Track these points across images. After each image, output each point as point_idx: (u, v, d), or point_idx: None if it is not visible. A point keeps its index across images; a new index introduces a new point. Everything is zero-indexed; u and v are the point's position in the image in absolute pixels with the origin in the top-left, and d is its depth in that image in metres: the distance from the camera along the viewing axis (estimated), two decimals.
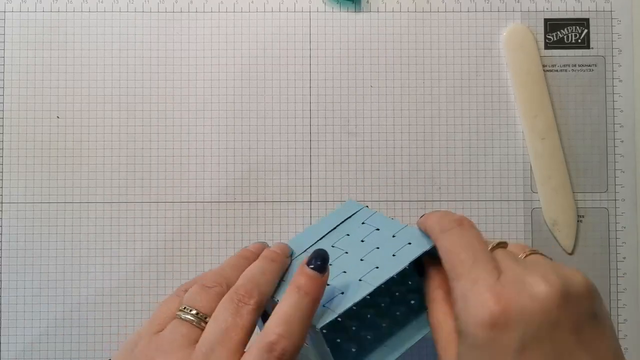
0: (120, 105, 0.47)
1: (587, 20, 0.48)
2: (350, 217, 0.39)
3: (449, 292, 0.31)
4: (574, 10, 0.48)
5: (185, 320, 0.31)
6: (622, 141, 0.48)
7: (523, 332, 0.27)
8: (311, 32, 0.48)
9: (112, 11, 0.47)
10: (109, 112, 0.47)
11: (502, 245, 0.32)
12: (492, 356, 0.27)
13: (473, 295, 0.28)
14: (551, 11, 0.48)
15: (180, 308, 0.32)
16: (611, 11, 0.48)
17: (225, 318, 0.31)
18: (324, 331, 0.32)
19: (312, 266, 0.32)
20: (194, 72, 0.47)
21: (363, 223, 0.38)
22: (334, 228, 0.39)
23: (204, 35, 0.47)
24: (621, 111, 0.48)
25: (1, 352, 0.46)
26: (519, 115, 0.47)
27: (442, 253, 0.31)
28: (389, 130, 0.47)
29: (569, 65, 0.48)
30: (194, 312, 0.31)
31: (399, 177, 0.47)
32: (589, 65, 0.48)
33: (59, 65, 0.47)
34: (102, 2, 0.47)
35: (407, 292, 0.37)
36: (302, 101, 0.47)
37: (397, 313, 0.36)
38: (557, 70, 0.48)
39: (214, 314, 0.31)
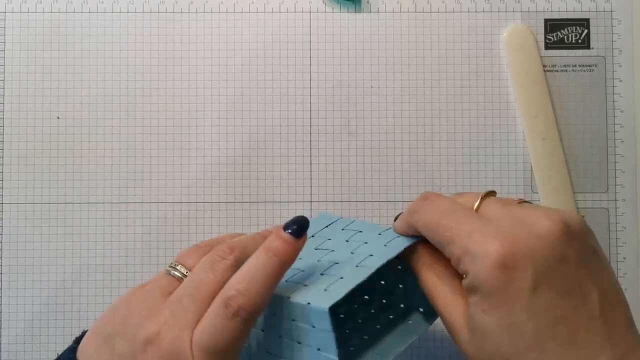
0: (121, 105, 0.47)
1: (588, 20, 0.48)
2: (326, 226, 0.38)
3: (437, 266, 0.32)
4: (574, 11, 0.48)
5: (169, 275, 0.33)
6: (622, 141, 0.48)
7: (534, 270, 0.27)
8: (311, 32, 0.48)
9: (113, 12, 0.47)
10: (109, 112, 0.47)
11: (492, 193, 0.31)
12: (507, 299, 0.27)
13: (475, 246, 0.28)
14: (551, 11, 0.48)
15: (170, 264, 0.34)
16: (611, 11, 0.48)
17: (199, 272, 0.31)
18: (338, 309, 0.31)
19: (288, 230, 0.31)
20: (194, 73, 0.47)
21: (343, 229, 0.37)
22: (312, 236, 0.37)
23: (204, 36, 0.47)
24: (621, 111, 0.48)
25: (2, 352, 0.46)
26: (519, 116, 0.47)
27: (425, 230, 0.31)
28: (389, 131, 0.47)
29: (569, 66, 0.48)
30: (179, 267, 0.33)
31: (399, 177, 0.47)
32: (589, 66, 0.48)
33: (59, 66, 0.47)
34: (102, 2, 0.47)
35: (394, 297, 0.37)
36: (302, 101, 0.47)
37: (390, 317, 0.36)
38: (557, 71, 0.48)
39: (193, 269, 0.32)
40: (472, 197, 0.31)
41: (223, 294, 0.30)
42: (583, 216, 0.30)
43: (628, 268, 0.47)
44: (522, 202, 0.31)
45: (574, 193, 0.47)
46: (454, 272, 0.31)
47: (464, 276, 0.29)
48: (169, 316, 0.30)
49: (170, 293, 0.32)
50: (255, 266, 0.30)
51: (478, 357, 0.29)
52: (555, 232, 0.28)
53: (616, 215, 0.47)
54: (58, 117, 0.47)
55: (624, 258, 0.47)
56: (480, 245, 0.28)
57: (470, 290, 0.29)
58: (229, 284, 0.30)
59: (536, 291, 0.27)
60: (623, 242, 0.47)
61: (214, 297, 0.30)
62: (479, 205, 0.30)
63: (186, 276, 0.33)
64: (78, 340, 0.33)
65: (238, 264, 0.32)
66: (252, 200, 0.47)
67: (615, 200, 0.47)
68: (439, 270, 0.32)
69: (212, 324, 0.30)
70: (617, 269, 0.47)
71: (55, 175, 0.47)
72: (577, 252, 0.28)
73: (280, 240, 0.31)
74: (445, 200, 0.31)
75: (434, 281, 0.32)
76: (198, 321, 0.30)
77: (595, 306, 0.27)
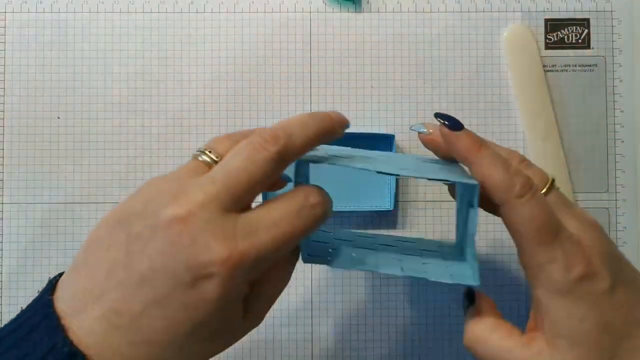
0: (121, 105, 0.47)
1: (588, 20, 0.48)
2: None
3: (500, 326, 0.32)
4: (574, 11, 0.48)
5: (197, 159, 0.29)
6: (622, 141, 0.47)
7: (608, 272, 0.30)
8: (311, 32, 0.48)
9: (113, 12, 0.47)
10: (109, 112, 0.47)
11: (552, 184, 0.32)
12: (596, 302, 0.30)
13: (565, 256, 0.29)
14: (552, 11, 0.48)
15: (199, 149, 0.29)
16: (612, 11, 0.48)
17: (234, 159, 0.27)
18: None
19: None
20: (194, 73, 0.47)
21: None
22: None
23: (205, 36, 0.47)
24: (622, 111, 0.48)
25: None
26: (520, 116, 0.47)
27: (524, 221, 0.30)
28: (389, 131, 0.47)
29: (569, 66, 0.48)
30: (209, 152, 0.29)
31: (399, 177, 0.47)
32: (590, 66, 0.48)
33: (59, 66, 0.47)
34: (102, 2, 0.47)
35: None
36: (303, 101, 0.47)
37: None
38: (557, 71, 0.48)
39: (225, 156, 0.28)
40: (539, 178, 0.32)
41: (264, 133, 0.28)
42: None
43: None
44: (551, 185, 0.32)
45: (574, 193, 0.47)
46: (505, 324, 0.32)
47: (538, 285, 0.30)
48: (201, 196, 0.26)
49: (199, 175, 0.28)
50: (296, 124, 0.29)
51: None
52: (605, 235, 0.31)
53: (616, 215, 0.47)
54: (58, 117, 0.47)
55: None
56: (569, 256, 0.30)
57: (554, 299, 0.30)
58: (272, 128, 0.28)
59: (614, 289, 0.30)
60: (623, 242, 0.47)
61: (247, 192, 0.27)
62: (545, 193, 0.32)
63: (215, 161, 0.29)
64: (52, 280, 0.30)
65: (283, 158, 0.28)
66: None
67: (616, 200, 0.47)
68: (502, 331, 0.32)
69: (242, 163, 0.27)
70: None
71: (55, 175, 0.47)
72: (615, 248, 0.32)
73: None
74: (548, 207, 0.31)
75: (494, 333, 0.32)
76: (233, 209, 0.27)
77: None
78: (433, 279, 0.31)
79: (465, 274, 0.32)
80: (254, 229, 0.27)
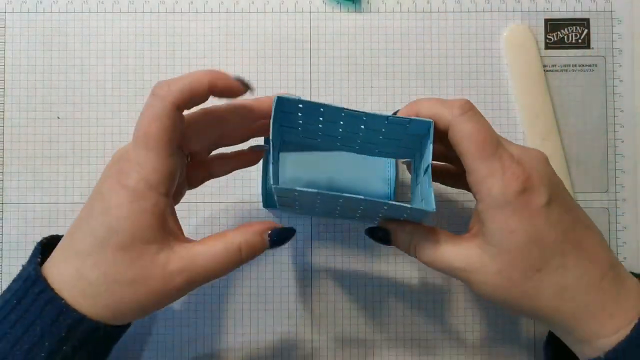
0: (121, 105, 0.47)
1: (588, 20, 0.48)
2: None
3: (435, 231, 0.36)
4: (574, 10, 0.48)
5: None
6: (622, 141, 0.47)
7: (546, 189, 0.32)
8: (311, 32, 0.48)
9: (113, 12, 0.47)
10: (109, 112, 0.47)
11: None
12: (530, 215, 0.32)
13: (503, 170, 0.32)
14: (551, 11, 0.48)
15: None
16: (611, 11, 0.48)
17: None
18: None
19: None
20: None
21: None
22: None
23: (205, 36, 0.47)
24: (622, 111, 0.48)
25: None
26: (520, 116, 0.47)
27: (466, 135, 0.33)
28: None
29: (569, 66, 0.48)
30: None
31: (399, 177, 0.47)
32: (590, 66, 0.48)
33: (59, 66, 0.47)
34: (102, 2, 0.47)
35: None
36: None
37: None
38: (557, 71, 0.48)
39: None
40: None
41: None
42: None
43: (628, 268, 0.47)
44: None
45: (574, 193, 0.47)
46: (450, 233, 0.35)
47: (481, 199, 0.33)
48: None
49: None
50: (189, 73, 0.33)
51: (509, 284, 0.33)
52: (548, 162, 0.34)
53: (616, 215, 0.47)
54: (58, 117, 0.47)
55: (624, 258, 0.47)
56: (509, 170, 0.32)
57: (491, 212, 0.33)
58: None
59: (550, 206, 0.32)
60: (623, 242, 0.47)
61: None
62: None
63: None
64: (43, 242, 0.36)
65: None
66: (252, 201, 0.47)
67: (616, 200, 0.47)
68: (439, 233, 0.35)
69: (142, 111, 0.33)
70: None
71: (55, 175, 0.47)
72: (560, 180, 0.34)
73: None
74: (487, 121, 0.34)
75: (437, 238, 0.35)
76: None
77: (585, 219, 0.34)
78: (392, 203, 0.33)
79: (423, 204, 0.34)
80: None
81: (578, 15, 0.48)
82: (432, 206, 0.33)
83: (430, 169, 0.35)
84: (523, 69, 0.47)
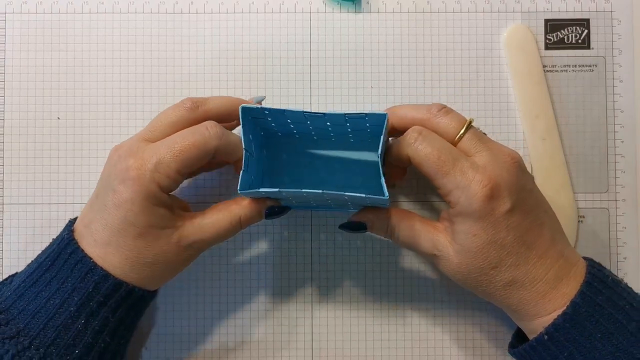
0: (121, 105, 0.47)
1: (588, 20, 0.48)
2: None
3: (411, 215, 0.40)
4: (574, 11, 0.48)
5: None
6: (622, 141, 0.47)
7: (510, 197, 0.36)
8: (311, 32, 0.48)
9: (113, 12, 0.47)
10: (109, 112, 0.47)
11: (469, 126, 0.38)
12: (493, 222, 0.36)
13: (468, 182, 0.36)
14: (551, 11, 0.48)
15: None
16: (611, 11, 0.48)
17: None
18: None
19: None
20: (194, 73, 0.47)
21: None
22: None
23: (205, 37, 0.47)
24: (622, 111, 0.48)
25: None
26: (520, 116, 0.47)
27: (422, 160, 0.37)
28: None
29: (569, 66, 0.48)
30: None
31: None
32: (590, 66, 0.48)
33: (60, 67, 0.47)
34: (102, 3, 0.47)
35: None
36: (303, 102, 0.47)
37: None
38: (557, 71, 0.48)
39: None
40: (457, 122, 0.38)
41: None
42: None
43: (628, 268, 0.47)
44: (469, 127, 0.39)
45: (574, 193, 0.47)
46: (424, 219, 0.40)
47: (452, 207, 0.37)
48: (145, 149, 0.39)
49: None
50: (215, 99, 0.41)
51: (467, 274, 0.38)
52: (516, 166, 0.37)
53: (616, 215, 0.47)
54: (58, 118, 0.47)
55: (624, 258, 0.47)
56: (473, 182, 0.36)
57: (459, 218, 0.37)
58: None
59: (511, 213, 0.36)
60: (623, 242, 0.47)
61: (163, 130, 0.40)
62: (463, 134, 0.38)
63: None
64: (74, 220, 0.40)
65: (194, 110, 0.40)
66: None
67: (616, 200, 0.47)
68: (414, 219, 0.40)
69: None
70: (618, 269, 0.47)
71: (55, 175, 0.47)
72: (526, 180, 0.38)
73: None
74: (439, 139, 0.38)
75: (412, 224, 0.40)
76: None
77: (542, 217, 0.38)
78: (348, 194, 0.36)
79: (378, 193, 0.37)
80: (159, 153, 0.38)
81: (578, 16, 0.48)
82: (385, 194, 0.36)
83: (383, 159, 0.39)
84: (523, 69, 0.47)
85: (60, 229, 0.43)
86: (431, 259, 0.40)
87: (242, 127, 0.39)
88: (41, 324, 0.36)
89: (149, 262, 0.37)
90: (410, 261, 0.47)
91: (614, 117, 0.48)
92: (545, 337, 0.37)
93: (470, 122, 0.38)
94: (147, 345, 0.46)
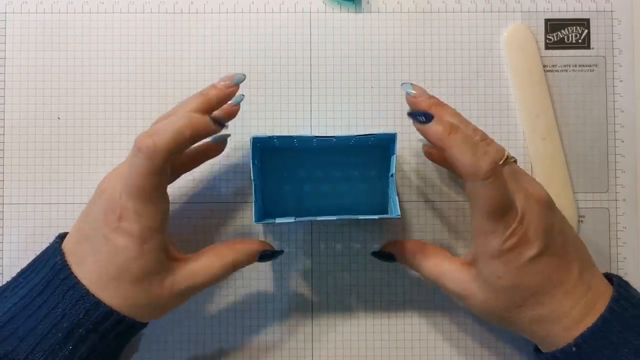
0: (121, 105, 0.47)
1: (588, 20, 0.48)
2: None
3: (438, 252, 0.41)
4: (574, 11, 0.48)
5: None
6: (622, 141, 0.47)
7: (538, 243, 0.36)
8: (312, 32, 0.48)
9: (113, 12, 0.47)
10: (109, 112, 0.47)
11: (506, 160, 0.37)
12: (519, 267, 0.36)
13: (505, 231, 0.36)
14: (552, 11, 0.48)
15: None
16: (612, 11, 0.48)
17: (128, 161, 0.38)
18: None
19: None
20: (195, 73, 0.47)
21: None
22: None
23: (205, 36, 0.47)
24: (622, 111, 0.48)
25: None
26: (520, 116, 0.47)
27: (484, 198, 0.36)
28: (390, 131, 0.47)
29: (569, 66, 0.48)
30: None
31: (399, 177, 0.47)
32: (590, 66, 0.48)
33: (60, 66, 0.47)
34: (102, 3, 0.47)
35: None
36: (303, 102, 0.47)
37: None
38: (557, 71, 0.48)
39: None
40: (499, 154, 0.37)
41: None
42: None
43: (628, 268, 0.47)
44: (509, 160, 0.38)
45: (574, 193, 0.47)
46: (450, 257, 0.40)
47: (477, 246, 0.37)
48: (114, 172, 0.39)
49: None
50: (170, 122, 0.37)
51: (491, 312, 0.38)
52: (546, 209, 0.37)
53: (616, 215, 0.47)
54: (58, 118, 0.47)
55: (624, 258, 0.47)
56: (510, 229, 0.36)
57: (485, 258, 0.37)
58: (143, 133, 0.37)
59: (539, 258, 0.36)
60: (623, 242, 0.47)
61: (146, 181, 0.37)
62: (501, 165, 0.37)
63: None
64: (62, 236, 0.40)
65: (150, 157, 0.36)
66: (251, 201, 0.47)
67: (616, 200, 0.47)
68: (440, 256, 0.41)
69: (127, 165, 0.37)
70: (618, 268, 0.47)
71: (55, 175, 0.47)
72: (555, 220, 0.38)
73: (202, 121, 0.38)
74: (504, 186, 0.36)
75: (437, 262, 0.40)
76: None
77: (571, 256, 0.38)
78: (361, 217, 0.38)
79: (389, 212, 0.39)
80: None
81: (578, 16, 0.48)
82: (397, 212, 0.37)
83: (394, 178, 0.40)
84: (523, 69, 0.47)
85: (61, 229, 0.43)
86: (456, 299, 0.40)
87: (252, 157, 0.40)
88: (29, 348, 0.35)
89: (142, 304, 0.37)
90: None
91: (614, 117, 0.48)
92: (573, 349, 0.36)
93: (508, 156, 0.38)
94: (139, 348, 0.46)
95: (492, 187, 0.35)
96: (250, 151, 0.39)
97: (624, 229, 0.47)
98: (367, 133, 0.39)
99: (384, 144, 0.40)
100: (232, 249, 0.40)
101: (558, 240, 0.37)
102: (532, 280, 0.36)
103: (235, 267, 0.40)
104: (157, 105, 0.47)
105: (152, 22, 0.47)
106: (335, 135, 0.38)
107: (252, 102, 0.47)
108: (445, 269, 0.40)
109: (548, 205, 0.37)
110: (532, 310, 0.37)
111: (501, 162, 0.37)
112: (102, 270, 0.36)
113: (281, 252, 0.42)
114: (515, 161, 0.39)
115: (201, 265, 0.39)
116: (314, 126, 0.47)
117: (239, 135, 0.47)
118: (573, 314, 0.37)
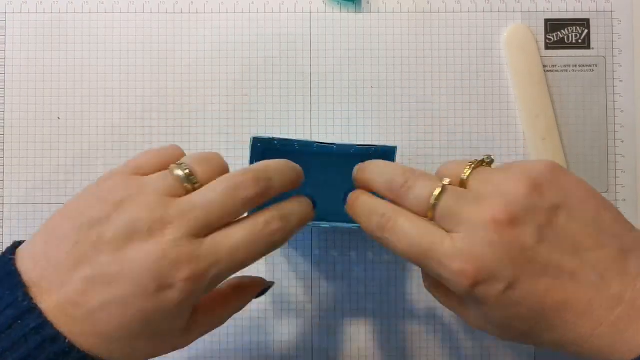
0: (121, 105, 0.47)
1: (588, 20, 0.48)
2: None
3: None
4: (574, 11, 0.48)
5: (175, 174, 0.31)
6: (622, 141, 0.47)
7: (500, 276, 0.30)
8: (312, 32, 0.48)
9: (113, 12, 0.47)
10: (109, 113, 0.47)
11: (440, 195, 0.31)
12: (492, 304, 0.30)
13: (448, 274, 0.30)
14: (552, 11, 0.48)
15: (177, 162, 0.31)
16: (612, 11, 0.48)
17: (214, 193, 0.30)
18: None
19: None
20: (194, 73, 0.47)
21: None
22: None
23: (205, 36, 0.47)
24: (622, 111, 0.48)
25: None
26: (520, 116, 0.47)
27: (393, 250, 0.32)
28: (389, 131, 0.47)
29: (569, 66, 0.48)
30: (187, 172, 0.31)
31: None
32: (590, 66, 0.48)
33: (60, 66, 0.47)
34: (102, 3, 0.47)
35: None
36: (303, 102, 0.47)
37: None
38: (557, 71, 0.48)
39: (206, 185, 0.31)
40: (427, 191, 0.32)
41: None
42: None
43: None
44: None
45: None
46: (447, 293, 0.35)
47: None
48: (175, 213, 0.29)
49: (176, 196, 0.30)
50: (292, 210, 0.32)
51: (512, 339, 0.33)
52: (500, 232, 0.30)
53: None
54: (58, 118, 0.47)
55: None
56: (453, 273, 0.30)
57: (460, 309, 0.34)
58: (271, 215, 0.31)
59: (511, 289, 0.30)
60: None
61: (221, 222, 0.30)
62: (433, 205, 0.31)
63: (191, 181, 0.31)
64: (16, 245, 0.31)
65: (258, 199, 0.31)
66: None
67: (616, 200, 0.47)
68: (440, 292, 0.36)
69: (244, 235, 0.30)
70: None
71: (55, 175, 0.47)
72: (525, 235, 0.30)
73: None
74: (406, 227, 0.32)
75: (442, 294, 0.36)
76: (198, 237, 0.30)
77: (565, 269, 0.30)
78: (349, 226, 0.37)
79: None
80: (216, 253, 0.30)
81: (578, 16, 0.48)
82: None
83: None
84: (523, 69, 0.47)
85: None
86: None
87: (251, 158, 0.38)
88: None
89: (152, 354, 0.31)
90: (411, 267, 0.47)
91: (614, 117, 0.48)
92: None
93: (444, 186, 0.31)
94: None
95: (392, 237, 0.32)
96: (249, 151, 0.39)
97: None
98: (367, 144, 0.39)
99: (384, 154, 0.39)
100: (235, 294, 0.36)
101: (539, 258, 0.30)
102: (520, 310, 0.30)
103: (238, 308, 0.36)
104: (157, 105, 0.47)
105: (152, 22, 0.47)
106: (335, 143, 0.38)
107: (252, 101, 0.47)
108: (443, 301, 0.36)
109: (503, 225, 0.30)
110: (544, 337, 0.31)
111: (432, 196, 0.31)
112: (123, 322, 0.29)
113: (272, 284, 0.38)
114: (490, 163, 0.34)
115: (212, 317, 0.34)
116: (314, 126, 0.47)
117: (239, 135, 0.47)
118: (599, 333, 0.29)
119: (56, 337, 0.27)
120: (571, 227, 0.30)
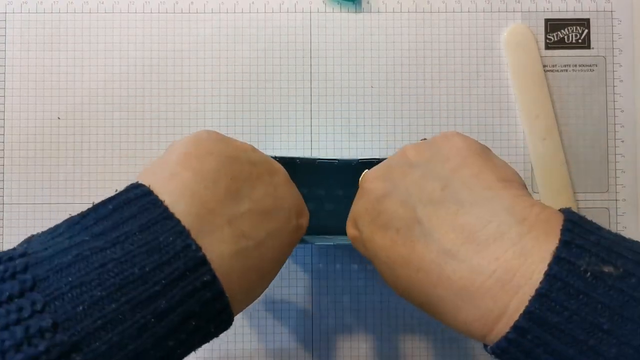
0: (121, 105, 0.47)
1: (588, 20, 0.48)
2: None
3: None
4: (574, 11, 0.48)
5: None
6: (622, 141, 0.47)
7: (363, 228, 0.32)
8: (312, 32, 0.48)
9: (113, 12, 0.47)
10: (109, 112, 0.47)
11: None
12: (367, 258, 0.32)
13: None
14: (552, 11, 0.48)
15: None
16: (612, 11, 0.48)
17: None
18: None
19: None
20: (195, 73, 0.47)
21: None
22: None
23: (205, 36, 0.47)
24: (622, 111, 0.48)
25: None
26: (520, 116, 0.47)
27: None
28: (389, 131, 0.47)
29: (569, 66, 0.48)
30: None
31: None
32: (590, 66, 0.48)
33: (60, 66, 0.47)
34: (102, 3, 0.47)
35: None
36: (303, 101, 0.47)
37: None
38: (557, 71, 0.48)
39: None
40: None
41: None
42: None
43: None
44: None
45: (574, 193, 0.47)
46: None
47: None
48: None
49: None
50: None
51: (402, 296, 0.31)
52: (364, 189, 0.33)
53: (617, 215, 0.47)
54: (59, 118, 0.47)
55: None
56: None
57: None
58: None
59: (369, 241, 0.31)
60: None
61: None
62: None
63: None
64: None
65: None
66: None
67: (616, 200, 0.47)
68: None
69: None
70: None
71: (55, 175, 0.47)
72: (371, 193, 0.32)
73: None
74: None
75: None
76: None
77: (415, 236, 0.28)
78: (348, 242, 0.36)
79: None
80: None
81: (578, 15, 0.48)
82: None
83: None
84: (523, 69, 0.47)
85: None
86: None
87: None
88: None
89: (257, 295, 0.30)
90: None
91: (614, 117, 0.48)
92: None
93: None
94: None
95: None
96: None
97: (624, 229, 0.47)
98: (369, 158, 0.39)
99: None
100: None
101: (388, 212, 0.29)
102: (381, 267, 0.30)
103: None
104: (157, 105, 0.47)
105: (152, 22, 0.47)
106: (337, 158, 0.38)
107: (252, 101, 0.47)
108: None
109: (372, 178, 0.32)
110: (418, 300, 0.29)
111: None
112: (275, 258, 0.30)
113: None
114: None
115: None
116: (314, 125, 0.47)
117: (239, 136, 0.47)
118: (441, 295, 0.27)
119: (222, 293, 0.25)
120: (422, 183, 0.29)
